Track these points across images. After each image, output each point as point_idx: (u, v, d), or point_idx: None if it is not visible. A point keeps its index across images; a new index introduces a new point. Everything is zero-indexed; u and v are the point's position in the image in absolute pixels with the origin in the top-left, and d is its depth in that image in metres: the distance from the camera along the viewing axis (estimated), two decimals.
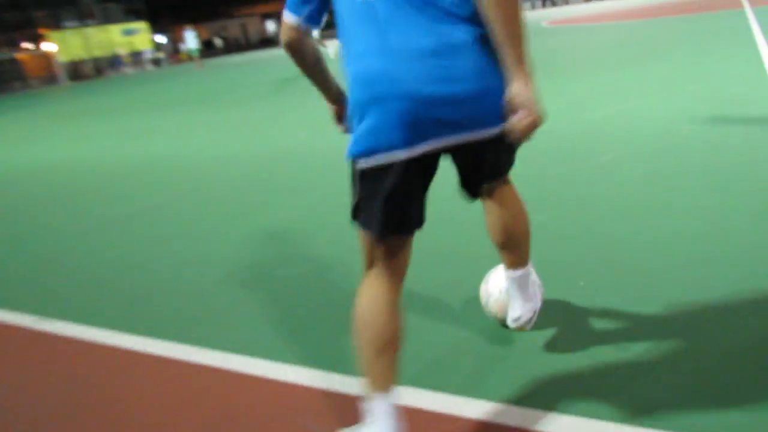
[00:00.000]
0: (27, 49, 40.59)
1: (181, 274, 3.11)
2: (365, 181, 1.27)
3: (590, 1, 37.37)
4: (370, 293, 1.36)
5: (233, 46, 58.02)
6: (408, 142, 1.22)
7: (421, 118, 1.21)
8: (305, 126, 7.01)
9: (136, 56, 44.60)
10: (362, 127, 1.24)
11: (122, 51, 43.42)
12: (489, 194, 1.59)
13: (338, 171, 3.69)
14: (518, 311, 1.83)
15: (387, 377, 1.33)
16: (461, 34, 1.22)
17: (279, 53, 31.42)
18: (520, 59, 1.28)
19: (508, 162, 1.54)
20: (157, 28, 57.70)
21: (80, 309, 2.85)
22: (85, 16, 42.73)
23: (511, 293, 1.84)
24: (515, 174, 1.70)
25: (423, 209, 1.37)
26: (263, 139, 6.66)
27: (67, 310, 2.85)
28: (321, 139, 6.01)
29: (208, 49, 50.57)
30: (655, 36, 11.56)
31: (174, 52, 49.54)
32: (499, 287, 1.98)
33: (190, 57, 47.82)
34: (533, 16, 27.96)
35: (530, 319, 1.85)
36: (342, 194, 2.38)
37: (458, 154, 1.37)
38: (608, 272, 2.40)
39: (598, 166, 3.83)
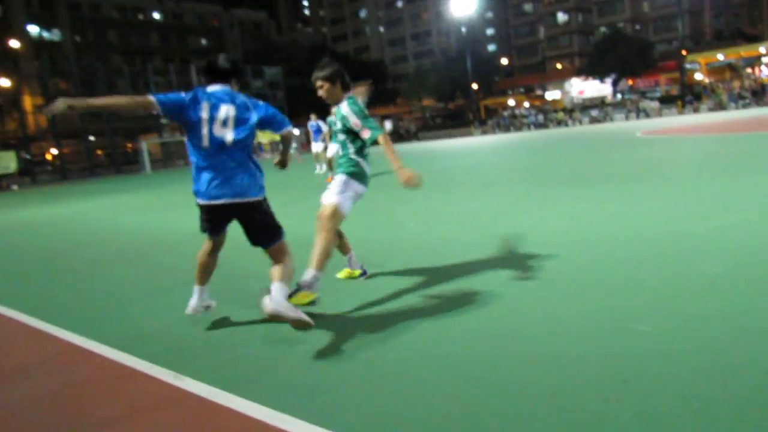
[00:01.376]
0: None
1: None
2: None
3: (683, 114, 36.05)
4: (204, 250, 3.06)
5: None
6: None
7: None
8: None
9: (274, 144, 47.96)
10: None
11: (264, 140, 46.81)
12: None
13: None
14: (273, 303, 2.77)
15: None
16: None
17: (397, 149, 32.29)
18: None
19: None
20: (294, 123, 61.91)
21: (214, 370, 2.79)
22: None
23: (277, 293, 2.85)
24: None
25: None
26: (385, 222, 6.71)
27: (203, 370, 2.80)
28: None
29: None
30: (748, 150, 10.76)
31: (306, 142, 52.90)
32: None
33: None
34: (628, 126, 27.21)
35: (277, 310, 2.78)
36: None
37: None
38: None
39: (709, 277, 3.47)
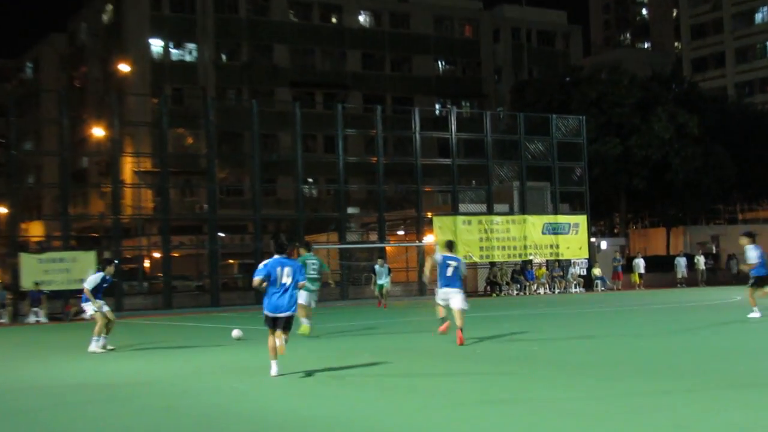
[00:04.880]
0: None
1: None
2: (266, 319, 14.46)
3: None
4: (270, 339, 14.08)
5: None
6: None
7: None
8: None
9: (553, 268, 48.20)
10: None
11: (537, 258, 47.52)
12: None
13: None
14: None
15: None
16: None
17: None
18: None
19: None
20: (601, 227, 62.15)
21: None
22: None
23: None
24: None
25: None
26: None
27: None
28: None
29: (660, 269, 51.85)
30: None
31: (618, 269, 51.75)
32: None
33: (639, 282, 50.04)
34: None
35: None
36: None
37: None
38: None
39: None
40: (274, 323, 13.21)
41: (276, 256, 13.56)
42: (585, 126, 51.09)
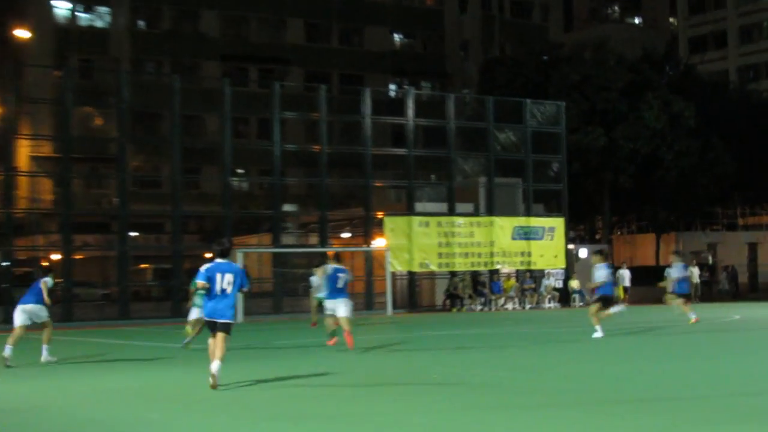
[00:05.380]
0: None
1: None
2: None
3: None
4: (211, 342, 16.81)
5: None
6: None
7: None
8: None
9: (524, 280, 48.46)
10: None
11: (505, 267, 47.70)
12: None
13: None
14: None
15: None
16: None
17: None
18: None
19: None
20: (580, 232, 62.52)
21: None
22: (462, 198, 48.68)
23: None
24: None
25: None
26: None
27: None
28: None
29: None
30: None
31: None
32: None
33: (624, 297, 50.47)
34: None
35: None
36: None
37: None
38: None
39: None
40: (210, 327, 15.26)
41: (218, 261, 15.26)
42: (564, 113, 51.54)
